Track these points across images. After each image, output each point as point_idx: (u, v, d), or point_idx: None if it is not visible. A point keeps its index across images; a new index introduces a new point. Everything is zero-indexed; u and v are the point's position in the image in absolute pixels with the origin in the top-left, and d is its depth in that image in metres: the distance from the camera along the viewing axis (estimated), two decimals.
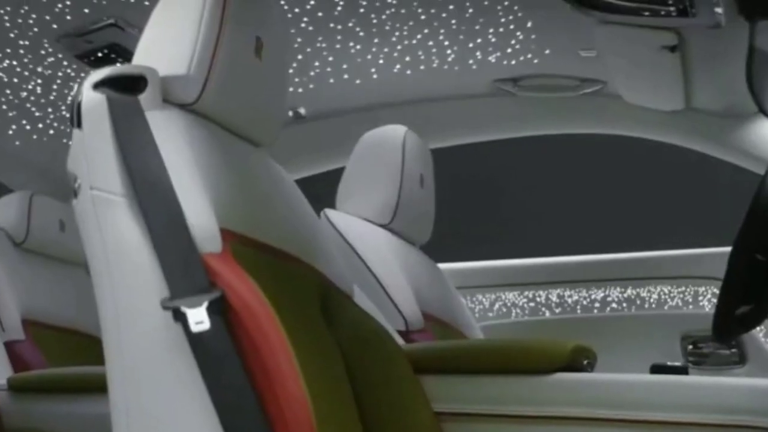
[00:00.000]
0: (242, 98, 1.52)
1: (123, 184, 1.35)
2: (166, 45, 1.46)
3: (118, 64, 1.52)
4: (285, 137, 2.80)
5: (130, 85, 1.42)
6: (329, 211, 2.27)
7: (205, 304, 1.28)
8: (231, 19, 1.45)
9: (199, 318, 1.29)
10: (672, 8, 2.00)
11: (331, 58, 2.47)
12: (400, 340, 2.02)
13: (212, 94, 1.44)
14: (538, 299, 2.83)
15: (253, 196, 1.55)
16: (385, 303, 2.13)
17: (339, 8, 2.24)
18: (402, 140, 2.34)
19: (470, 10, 2.26)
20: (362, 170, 2.33)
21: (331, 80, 2.56)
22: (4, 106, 2.44)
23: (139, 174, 1.35)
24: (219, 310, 1.29)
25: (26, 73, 2.34)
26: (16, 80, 2.36)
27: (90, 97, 1.38)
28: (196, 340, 1.28)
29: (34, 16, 2.14)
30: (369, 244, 2.23)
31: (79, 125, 1.39)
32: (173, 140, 1.40)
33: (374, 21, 2.31)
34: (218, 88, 1.45)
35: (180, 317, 1.28)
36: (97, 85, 1.41)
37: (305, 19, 2.28)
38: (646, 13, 2.05)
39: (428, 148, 2.46)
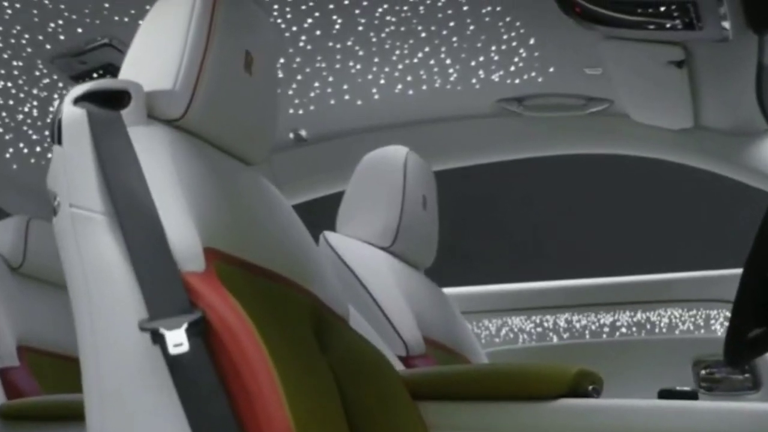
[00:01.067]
0: (231, 114, 1.48)
1: (103, 202, 1.31)
2: (151, 59, 1.42)
3: (102, 79, 1.47)
4: (286, 160, 2.82)
5: (114, 100, 1.38)
6: (328, 234, 2.21)
7: (185, 326, 1.24)
8: (219, 33, 1.42)
9: (177, 340, 1.24)
10: (678, 21, 1.94)
11: (331, 79, 2.42)
12: (399, 366, 1.96)
13: (199, 109, 1.40)
14: (545, 324, 2.76)
15: (241, 215, 1.50)
16: (385, 327, 2.06)
17: (337, 26, 2.20)
18: (403, 161, 2.28)
19: (471, 27, 2.21)
20: (363, 192, 2.27)
21: (332, 101, 2.51)
22: (0, 129, 2.40)
23: (119, 191, 1.31)
24: (199, 331, 1.25)
25: (21, 95, 2.29)
26: (11, 102, 2.32)
27: (70, 112, 1.34)
28: (174, 364, 1.23)
29: (26, 36, 2.10)
30: (369, 267, 2.17)
31: (60, 141, 1.34)
32: (157, 156, 1.36)
33: (374, 39, 2.26)
34: (205, 103, 1.41)
35: (158, 339, 1.24)
36: (78, 100, 1.37)
37: (303, 37, 2.24)
38: (651, 27, 1.99)
39: (431, 170, 2.40)
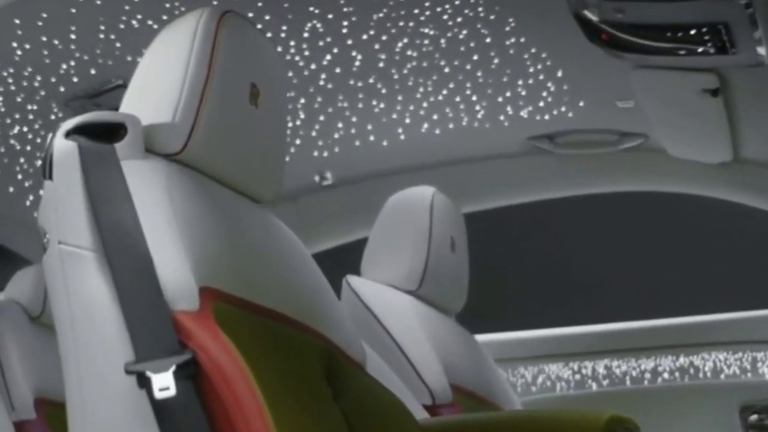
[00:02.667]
0: (235, 148, 1.40)
1: (92, 238, 1.23)
2: (151, 92, 1.35)
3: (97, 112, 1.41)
4: (312, 204, 2.72)
5: (111, 133, 1.31)
6: (351, 278, 2.11)
7: (173, 368, 1.14)
8: (220, 64, 1.35)
9: (164, 383, 1.14)
10: (710, 46, 1.83)
11: (354, 119, 2.34)
12: (424, 415, 1.85)
13: (200, 143, 1.32)
14: (584, 371, 2.63)
15: (246, 253, 1.41)
16: (409, 374, 1.95)
17: (357, 63, 2.12)
18: (430, 202, 2.18)
19: (496, 61, 2.12)
20: (388, 234, 2.18)
21: (357, 142, 2.43)
22: (20, 176, 2.35)
23: (108, 226, 1.24)
24: (188, 374, 1.15)
25: (38, 141, 2.24)
26: (29, 148, 2.27)
27: (61, 146, 1.28)
28: (160, 409, 1.13)
29: (39, 78, 2.05)
30: (393, 311, 2.06)
31: (50, 176, 1.27)
32: (152, 191, 1.28)
33: (395, 76, 2.19)
34: (207, 136, 1.33)
35: (144, 383, 1.14)
36: (71, 133, 1.30)
37: (323, 76, 2.16)
38: (682, 53, 1.88)
39: (460, 211, 2.30)
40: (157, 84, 1.36)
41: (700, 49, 1.88)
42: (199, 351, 1.17)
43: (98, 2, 1.88)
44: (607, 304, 3.06)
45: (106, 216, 1.24)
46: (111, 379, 1.17)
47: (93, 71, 2.06)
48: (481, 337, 2.39)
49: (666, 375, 2.60)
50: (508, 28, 2.02)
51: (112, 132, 1.32)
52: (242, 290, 1.34)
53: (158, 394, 1.13)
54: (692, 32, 1.83)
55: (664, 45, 1.91)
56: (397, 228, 2.17)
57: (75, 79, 2.08)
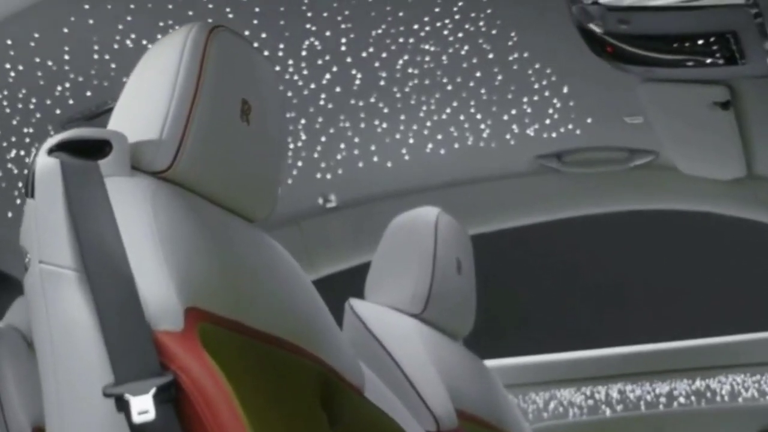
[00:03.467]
0: (226, 165, 1.36)
1: (73, 257, 1.19)
2: (139, 108, 1.32)
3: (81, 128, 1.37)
4: (316, 227, 2.65)
5: (96, 150, 1.28)
6: (354, 301, 2.04)
7: (152, 391, 1.09)
8: (210, 79, 1.31)
9: (143, 407, 1.09)
10: (718, 56, 1.77)
11: (357, 140, 2.29)
12: None
13: (188, 160, 1.28)
14: (597, 396, 2.56)
15: (237, 274, 1.36)
16: (413, 399, 1.87)
17: (357, 82, 2.08)
18: (434, 222, 2.12)
19: (499, 77, 2.07)
20: (391, 256, 2.11)
21: (360, 164, 2.38)
22: (18, 200, 2.31)
23: (90, 245, 1.20)
24: (169, 397, 1.10)
25: None
26: (26, 172, 2.23)
27: (43, 163, 1.25)
28: None
29: (34, 100, 2.01)
30: (396, 335, 1.98)
31: (32, 194, 1.24)
32: (136, 209, 1.24)
33: (397, 95, 2.14)
34: (195, 153, 1.29)
35: (123, 406, 1.09)
36: (54, 150, 1.27)
37: (323, 95, 2.12)
38: (690, 64, 1.82)
39: (466, 232, 2.23)
40: (145, 100, 1.32)
41: (708, 61, 1.81)
42: (182, 373, 1.12)
43: (90, 21, 1.85)
44: (621, 326, 3.00)
45: (87, 234, 1.21)
46: (90, 402, 1.13)
47: (89, 93, 2.02)
48: (490, 362, 2.32)
49: (682, 399, 2.53)
50: (510, 43, 1.97)
51: (97, 149, 1.29)
52: (232, 311, 1.30)
53: (137, 418, 1.08)
54: (700, 42, 1.77)
55: (671, 57, 1.85)
56: (401, 250, 2.11)
57: (71, 101, 2.04)
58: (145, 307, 1.16)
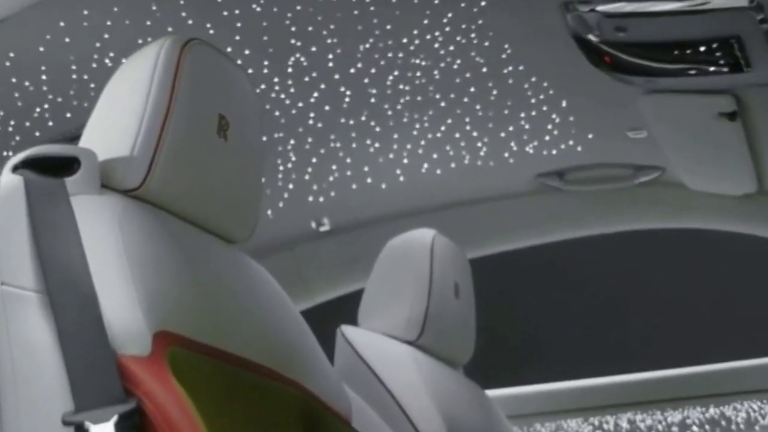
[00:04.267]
0: (202, 183, 1.33)
1: (35, 278, 1.16)
2: (110, 125, 1.30)
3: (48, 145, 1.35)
4: (310, 252, 2.60)
5: (64, 168, 1.25)
6: (345, 328, 2.00)
7: (114, 419, 1.06)
8: (184, 94, 1.29)
9: None
10: (722, 63, 1.73)
11: (349, 160, 2.26)
12: None
13: (161, 177, 1.26)
14: (605, 426, 2.50)
15: (213, 296, 1.33)
16: (406, 430, 1.83)
17: (347, 99, 2.05)
18: (430, 245, 2.07)
19: (494, 92, 2.04)
20: (385, 281, 2.06)
21: (354, 186, 2.35)
22: None
23: (53, 266, 1.17)
24: (132, 424, 1.07)
25: None
26: None
27: (7, 181, 1.22)
28: None
29: (12, 122, 1.99)
30: (390, 362, 1.93)
31: None
32: (104, 229, 1.22)
33: (389, 113, 2.11)
34: (169, 171, 1.27)
35: None
36: (18, 167, 1.24)
37: (312, 114, 2.09)
38: (693, 72, 1.78)
39: (464, 255, 2.18)
40: (117, 116, 1.30)
41: (711, 69, 1.78)
42: (146, 399, 1.09)
43: (67, 40, 1.83)
44: (628, 352, 2.95)
45: (51, 255, 1.18)
46: (50, 428, 1.09)
47: (69, 114, 2.00)
48: (493, 392, 2.27)
49: (695, 428, 2.48)
50: (504, 56, 1.94)
51: (65, 167, 1.26)
52: (206, 335, 1.27)
53: None
54: (702, 50, 1.74)
55: (673, 66, 1.82)
56: (395, 274, 2.06)
57: (50, 123, 2.02)
58: (109, 330, 1.13)
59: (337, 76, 2.00)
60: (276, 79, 2.00)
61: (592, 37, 1.78)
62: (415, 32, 1.88)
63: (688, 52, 1.77)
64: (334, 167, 2.31)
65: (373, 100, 2.08)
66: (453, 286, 2.17)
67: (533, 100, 2.08)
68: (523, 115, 2.13)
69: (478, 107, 2.11)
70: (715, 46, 1.73)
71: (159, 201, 1.29)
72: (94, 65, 1.91)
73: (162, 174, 1.27)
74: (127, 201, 1.27)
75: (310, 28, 1.86)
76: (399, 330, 2.04)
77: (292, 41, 1.90)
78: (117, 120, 1.30)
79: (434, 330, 2.07)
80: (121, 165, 1.26)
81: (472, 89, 2.05)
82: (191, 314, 1.26)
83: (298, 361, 1.43)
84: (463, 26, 1.86)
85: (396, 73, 1.99)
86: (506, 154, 2.28)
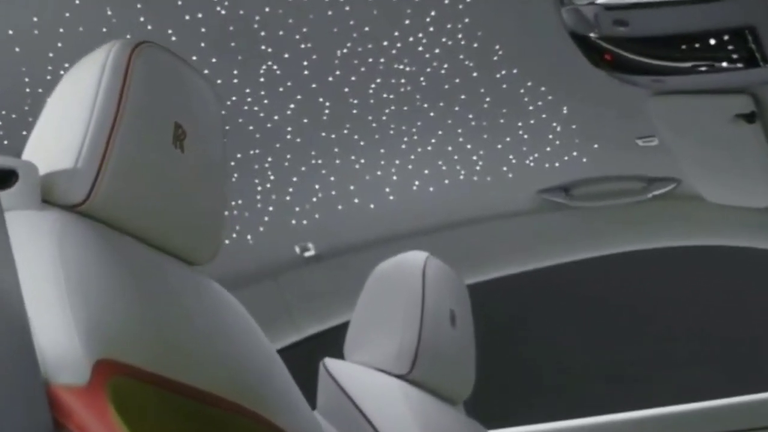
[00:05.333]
0: (156, 198, 1.27)
1: None
2: (54, 136, 1.26)
3: None
4: (295, 281, 2.51)
5: (1, 182, 1.21)
6: (329, 361, 1.92)
7: None
8: (134, 101, 1.24)
9: None
10: (736, 57, 1.65)
11: (333, 178, 2.20)
12: None
13: (108, 191, 1.21)
14: None
15: (167, 322, 1.27)
16: None
17: (326, 111, 1.99)
18: (421, 268, 1.99)
19: (487, 99, 1.98)
20: (373, 309, 1.98)
21: (339, 206, 2.29)
22: None
23: None
24: None
25: None
26: None
27: None
28: None
29: None
30: (378, 399, 1.85)
31: None
32: (40, 247, 1.17)
33: (374, 125, 2.05)
34: (116, 184, 1.22)
35: None
36: None
37: (289, 128, 2.03)
38: (703, 69, 1.70)
39: (461, 279, 2.10)
40: (61, 126, 1.26)
41: (724, 64, 1.70)
42: None
43: (17, 50, 1.79)
44: (641, 386, 2.87)
45: None
46: None
47: (24, 133, 1.96)
48: None
49: None
50: (495, 58, 1.88)
51: (3, 180, 1.22)
52: (158, 364, 1.21)
53: None
54: (712, 43, 1.66)
55: (681, 63, 1.74)
56: (384, 301, 1.97)
57: (5, 142, 1.99)
58: (41, 358, 1.07)
59: (314, 86, 1.94)
60: (248, 90, 1.94)
61: (590, 34, 1.70)
62: (396, 34, 1.82)
63: (697, 46, 1.69)
64: (317, 186, 2.24)
65: (355, 111, 2.02)
66: (448, 314, 2.09)
67: (531, 107, 2.01)
68: (520, 124, 2.07)
69: (470, 116, 2.05)
70: (726, 38, 1.65)
71: (107, 217, 1.24)
72: (49, 77, 1.86)
73: (109, 187, 1.22)
74: (70, 217, 1.22)
75: (281, 32, 1.81)
76: (389, 363, 1.95)
77: (263, 47, 1.84)
78: (61, 130, 1.26)
79: (428, 362, 1.97)
80: (64, 178, 1.22)
81: (463, 96, 1.99)
82: (140, 341, 1.21)
83: (266, 394, 1.38)
84: (449, 26, 1.80)
85: (378, 80, 1.94)
86: (504, 168, 2.22)
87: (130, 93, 1.26)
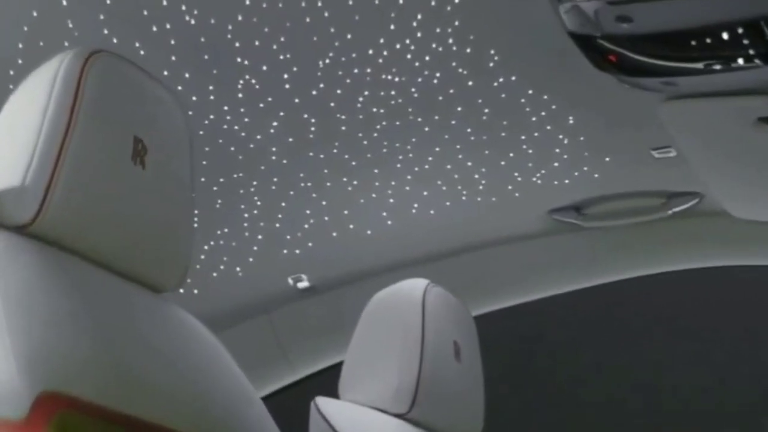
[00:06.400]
0: (112, 218, 1.25)
1: None
2: (1, 153, 1.24)
3: None
4: (288, 315, 2.48)
5: None
6: (321, 400, 1.88)
7: None
8: (87, 114, 1.23)
9: None
10: (752, 53, 1.58)
11: (324, 202, 2.17)
12: None
13: (59, 211, 1.19)
14: None
15: (124, 352, 1.23)
16: None
17: (312, 128, 1.95)
18: (421, 297, 1.95)
19: (486, 111, 1.94)
20: (370, 342, 1.94)
21: (334, 233, 2.26)
22: None
23: None
24: None
25: None
26: None
27: None
28: None
29: None
30: None
31: None
32: None
33: (364, 142, 2.02)
34: (69, 203, 1.20)
35: None
36: None
37: (273, 148, 2.00)
38: (718, 68, 1.64)
39: (466, 308, 2.06)
40: (9, 142, 1.24)
41: (740, 61, 1.63)
42: None
43: None
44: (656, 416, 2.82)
45: None
46: None
47: None
48: None
49: None
50: (491, 64, 1.84)
51: None
52: (111, 398, 1.18)
53: None
54: (725, 37, 1.60)
55: (693, 63, 1.69)
56: (381, 333, 1.93)
57: None
58: None
59: (297, 100, 1.91)
60: (226, 107, 1.91)
61: (591, 33, 1.66)
62: (382, 41, 1.79)
63: (708, 42, 1.63)
64: (308, 212, 2.21)
65: (343, 127, 1.99)
66: (452, 346, 2.04)
67: (534, 118, 1.97)
68: (524, 137, 2.03)
69: (469, 130, 2.01)
70: (741, 32, 1.58)
71: (57, 238, 1.21)
72: (11, 86, 1.86)
73: (60, 206, 1.19)
74: (15, 238, 1.20)
75: (257, 43, 1.78)
76: (386, 401, 1.90)
77: (239, 59, 1.81)
78: (9, 146, 1.24)
79: (429, 400, 1.91)
80: (11, 196, 1.20)
81: (460, 108, 1.95)
82: (91, 372, 1.18)
83: (233, 428, 1.34)
84: (438, 30, 1.76)
85: (366, 93, 1.91)
86: (510, 187, 2.18)
87: (83, 105, 1.23)
